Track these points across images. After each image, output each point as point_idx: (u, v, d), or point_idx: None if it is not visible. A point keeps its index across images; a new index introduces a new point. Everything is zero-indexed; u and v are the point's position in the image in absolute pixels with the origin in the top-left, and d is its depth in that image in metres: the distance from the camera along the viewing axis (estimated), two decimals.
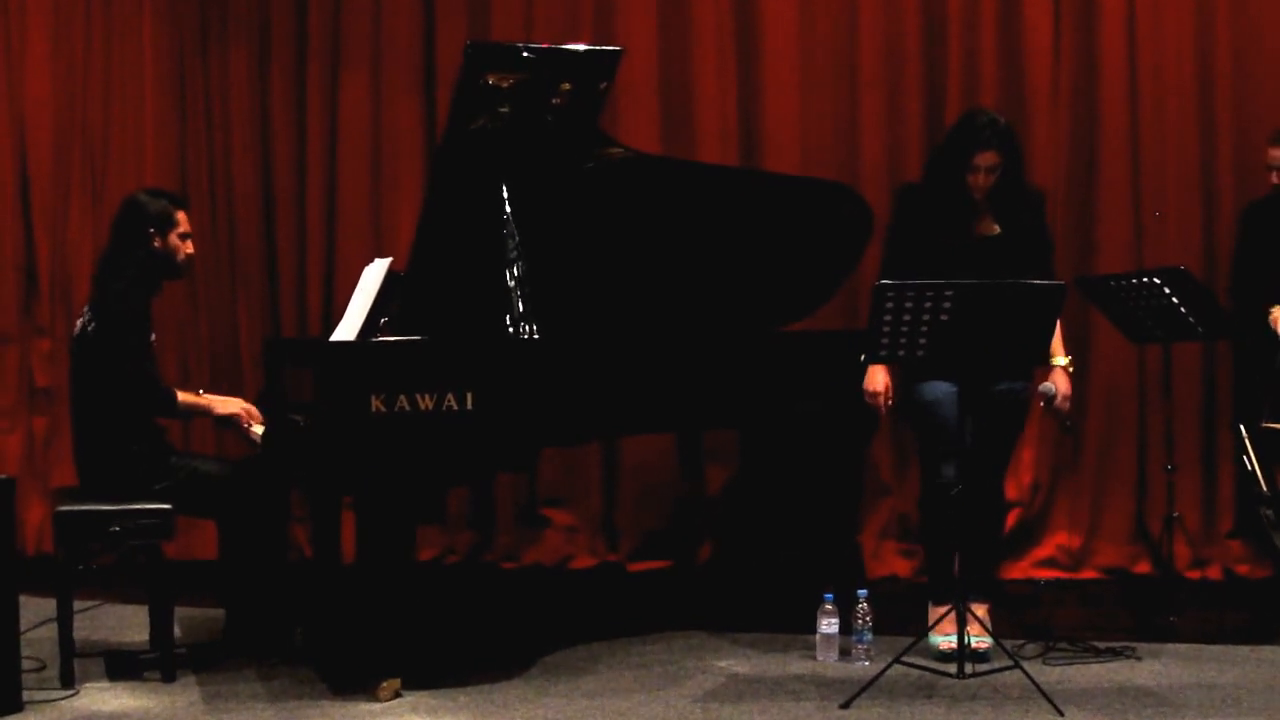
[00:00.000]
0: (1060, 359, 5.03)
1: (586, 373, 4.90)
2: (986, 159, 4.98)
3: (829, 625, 5.02)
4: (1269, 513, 5.65)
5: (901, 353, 4.56)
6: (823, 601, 5.05)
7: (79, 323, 5.07)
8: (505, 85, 4.86)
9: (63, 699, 4.59)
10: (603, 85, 5.06)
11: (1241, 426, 5.77)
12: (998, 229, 5.12)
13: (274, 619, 5.11)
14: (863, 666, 4.82)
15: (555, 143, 5.06)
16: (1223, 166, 6.35)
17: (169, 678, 4.77)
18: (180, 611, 5.02)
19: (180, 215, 5.12)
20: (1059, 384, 5.09)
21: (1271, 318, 5.65)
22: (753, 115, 6.70)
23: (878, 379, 5.08)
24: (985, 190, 5.03)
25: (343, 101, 7.03)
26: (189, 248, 5.16)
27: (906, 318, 4.49)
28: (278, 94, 7.11)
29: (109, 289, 4.99)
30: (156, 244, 5.06)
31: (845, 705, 4.43)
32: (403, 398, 4.51)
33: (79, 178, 6.95)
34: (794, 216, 5.53)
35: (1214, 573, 6.26)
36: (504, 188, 4.96)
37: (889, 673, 4.62)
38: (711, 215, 5.47)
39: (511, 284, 4.87)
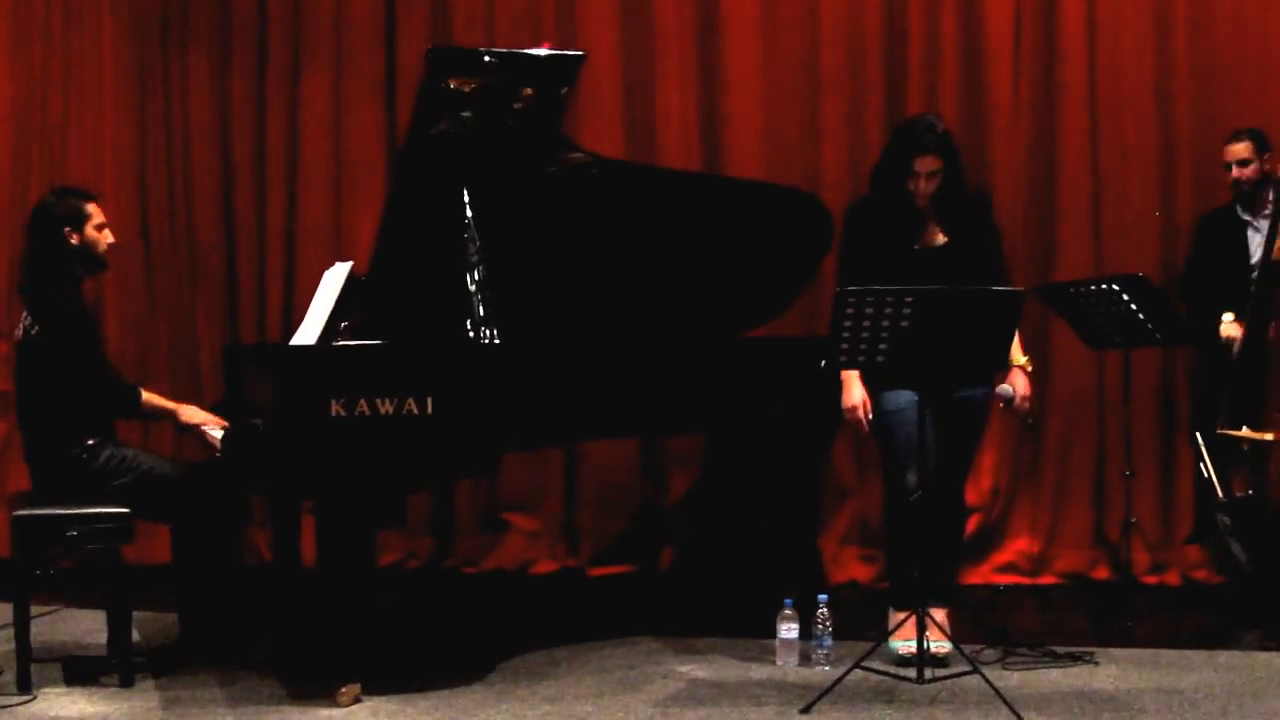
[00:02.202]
0: (1019, 359, 5.05)
1: (548, 377, 4.89)
2: (926, 164, 5.00)
3: (789, 630, 5.04)
4: (1225, 519, 5.70)
5: (862, 359, 4.57)
6: (783, 607, 5.06)
7: (21, 327, 5.05)
8: (467, 89, 4.87)
9: (20, 704, 4.57)
10: (564, 90, 5.08)
11: (1198, 433, 5.83)
12: (945, 239, 5.14)
13: (231, 625, 5.09)
14: (823, 671, 4.82)
15: (517, 147, 5.08)
16: (1181, 176, 6.38)
17: (127, 683, 4.75)
18: (139, 616, 5.00)
19: (91, 207, 5.11)
20: (1017, 385, 5.11)
21: (1223, 329, 5.71)
22: (715, 121, 6.72)
23: (855, 393, 5.03)
24: (928, 197, 5.05)
25: (303, 105, 7.03)
26: (108, 237, 5.15)
27: (867, 324, 4.49)
28: (238, 98, 7.11)
29: (44, 296, 4.99)
30: (74, 240, 5.05)
31: (805, 710, 4.44)
32: (363, 402, 4.49)
33: (37, 181, 6.89)
34: (755, 222, 5.55)
35: (1172, 578, 6.28)
36: (465, 192, 4.97)
37: (849, 677, 4.62)
38: (673, 220, 5.48)
39: (472, 288, 4.88)
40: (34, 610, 4.84)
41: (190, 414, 5.12)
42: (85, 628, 5.41)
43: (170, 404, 5.15)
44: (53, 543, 4.77)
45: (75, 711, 4.53)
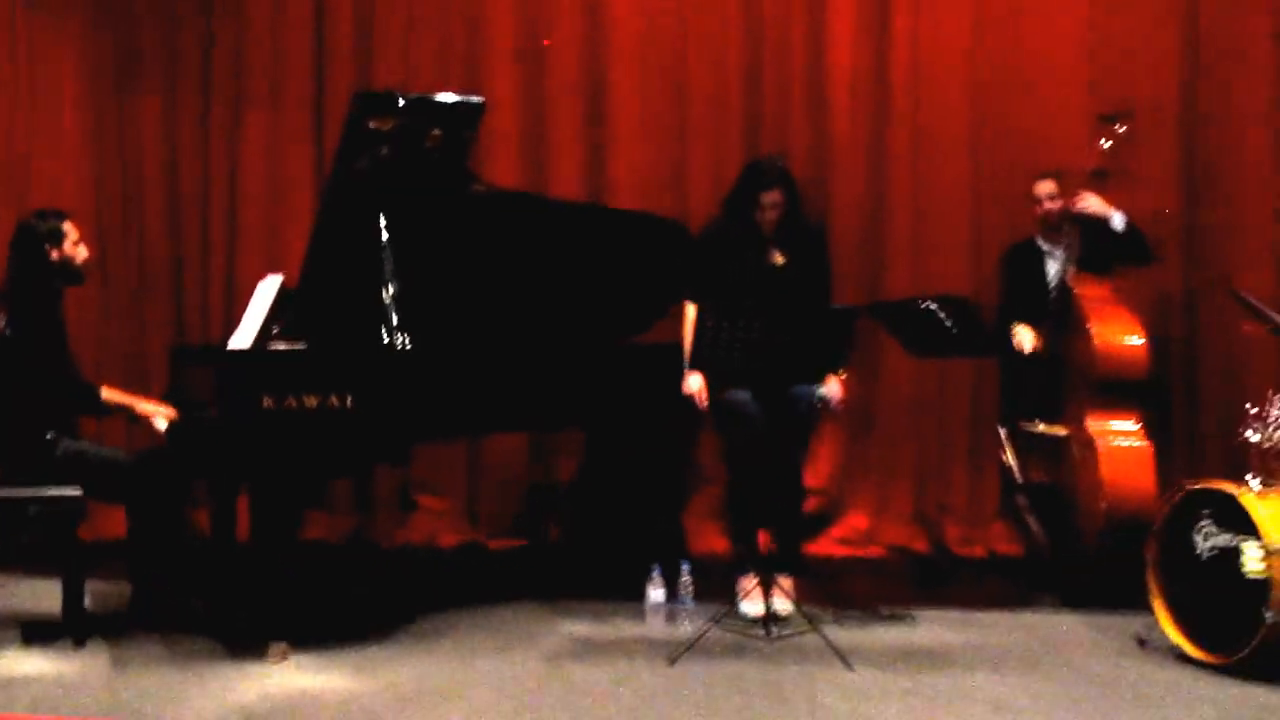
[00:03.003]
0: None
1: (453, 378, 4.86)
2: (772, 197, 5.09)
3: (657, 594, 5.06)
4: (1023, 499, 5.76)
5: (719, 362, 4.60)
6: (651, 573, 5.08)
7: None
8: (385, 129, 4.83)
9: None
10: (468, 132, 5.06)
11: (1002, 427, 5.90)
12: (783, 260, 5.20)
13: (176, 593, 5.01)
14: (686, 629, 4.85)
15: (428, 179, 5.04)
16: (988, 208, 6.43)
17: (80, 644, 4.66)
18: (92, 585, 4.89)
19: (68, 226, 5.02)
20: (833, 389, 5.19)
21: (1014, 333, 5.77)
22: (598, 157, 6.70)
23: (694, 381, 5.13)
24: (773, 225, 5.12)
25: (243, 138, 6.93)
26: (83, 251, 5.06)
27: (724, 333, 4.53)
28: (185, 131, 6.99)
29: (22, 304, 4.89)
30: (55, 256, 4.96)
31: (671, 661, 4.46)
32: (291, 398, 4.46)
33: (3, 200, 6.72)
34: (631, 245, 5.55)
35: (979, 550, 6.34)
36: (382, 216, 4.93)
37: (708, 634, 4.66)
38: (561, 243, 5.46)
39: (388, 299, 4.84)
40: None
41: (145, 406, 5.04)
42: (42, 596, 5.28)
43: (128, 398, 5.06)
44: (15, 520, 4.67)
45: (32, 670, 4.44)
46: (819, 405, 5.28)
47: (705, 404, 5.13)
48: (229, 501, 5.32)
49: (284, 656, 4.52)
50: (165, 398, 5.18)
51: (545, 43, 6.66)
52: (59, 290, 5.03)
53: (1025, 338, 5.69)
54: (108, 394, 4.99)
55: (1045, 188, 5.82)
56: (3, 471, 4.86)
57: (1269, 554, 4.17)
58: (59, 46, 6.98)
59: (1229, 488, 4.37)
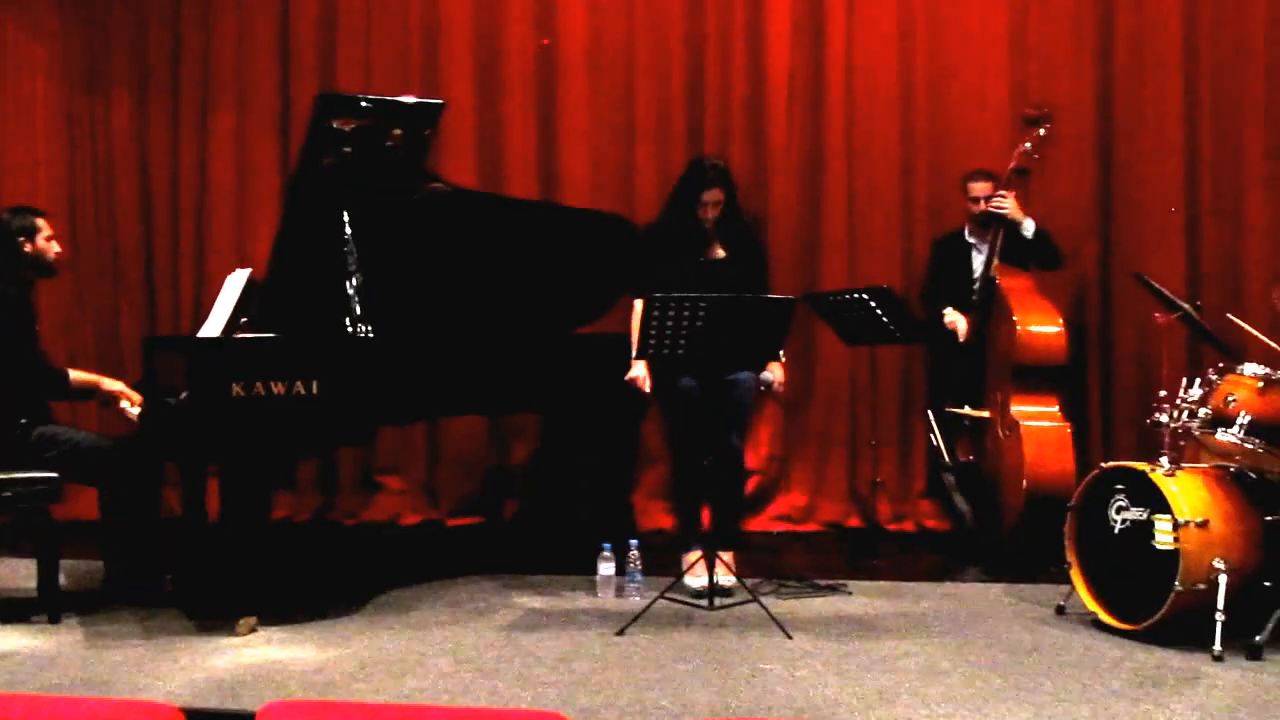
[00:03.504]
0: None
1: (413, 366, 4.84)
2: (713, 195, 5.10)
3: (607, 568, 5.04)
4: (950, 478, 5.81)
5: (665, 351, 4.59)
6: (602, 550, 5.06)
7: None
8: (347, 129, 4.79)
9: None
10: (428, 131, 5.02)
11: (930, 410, 5.94)
12: (724, 253, 5.21)
13: (148, 571, 4.95)
14: (634, 601, 4.83)
15: (389, 177, 4.99)
16: (917, 207, 6.45)
17: (55, 620, 4.59)
18: (66, 564, 4.82)
19: (41, 222, 4.98)
20: (775, 374, 5.20)
21: (949, 321, 5.82)
22: (550, 158, 6.67)
23: (638, 368, 5.12)
24: (713, 221, 5.13)
25: (211, 138, 6.85)
26: (55, 247, 5.01)
27: (670, 324, 4.53)
28: (155, 129, 6.90)
29: None
30: (28, 249, 4.91)
31: (620, 632, 4.45)
32: (259, 385, 4.41)
33: None
34: (582, 240, 5.53)
35: (909, 526, 6.38)
36: (345, 213, 4.88)
37: (655, 606, 4.65)
38: (516, 238, 5.44)
39: (351, 291, 4.80)
40: None
41: (110, 384, 4.97)
42: (19, 574, 5.20)
43: (94, 377, 5.00)
44: None
45: (8, 645, 4.35)
46: (762, 389, 5.29)
47: (648, 389, 5.13)
48: (199, 483, 5.27)
49: (252, 630, 4.47)
50: (137, 385, 5.10)
51: (544, 42, 6.60)
52: (31, 281, 4.97)
53: (959, 322, 5.73)
54: (75, 376, 4.94)
55: (981, 188, 5.86)
56: None
57: (1178, 528, 4.21)
58: (31, 45, 6.86)
59: (1142, 466, 4.40)
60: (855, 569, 5.49)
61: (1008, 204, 5.66)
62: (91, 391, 5.00)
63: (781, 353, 5.08)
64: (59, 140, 6.90)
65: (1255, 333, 4.63)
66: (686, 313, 4.50)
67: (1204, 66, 6.17)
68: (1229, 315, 4.74)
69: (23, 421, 4.76)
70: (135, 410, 4.88)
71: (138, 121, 6.91)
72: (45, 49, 6.88)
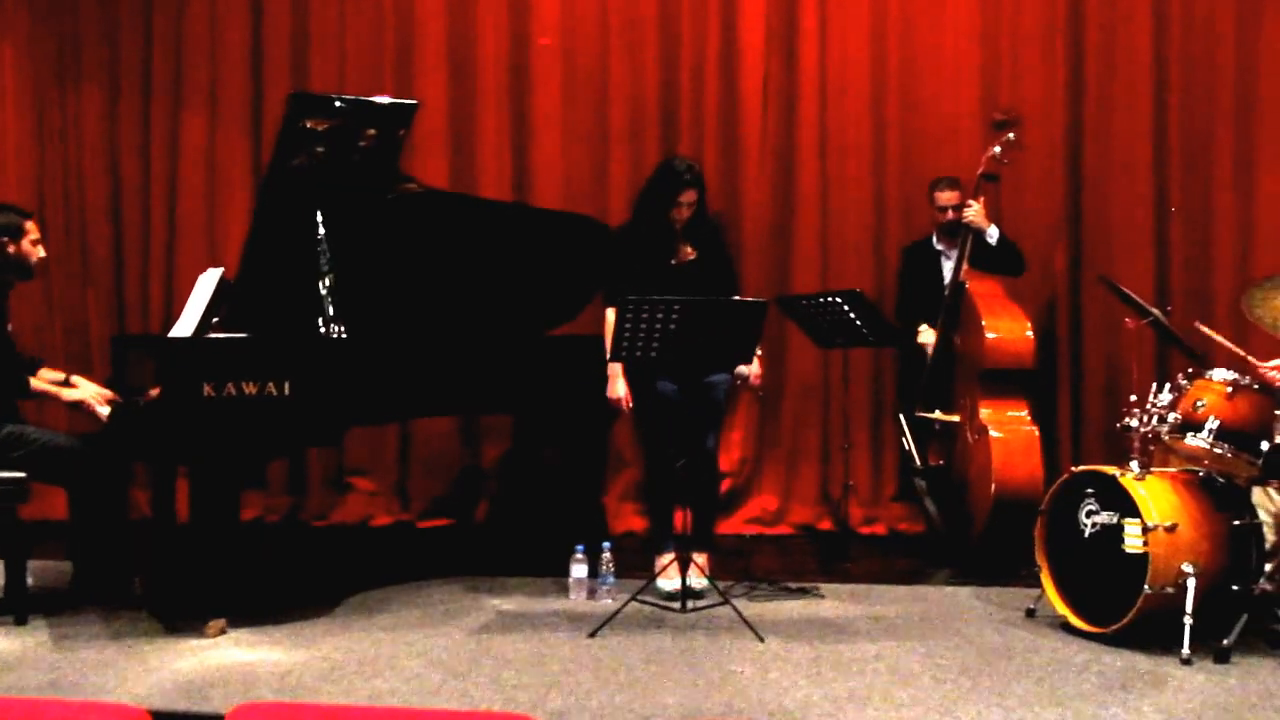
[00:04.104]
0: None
1: (385, 366, 4.81)
2: (689, 197, 5.10)
3: (579, 571, 5.03)
4: (921, 482, 5.84)
5: (639, 354, 4.58)
6: (574, 552, 5.06)
7: None
8: (320, 129, 4.77)
9: None
10: (401, 132, 5.00)
11: (900, 415, 5.96)
12: (694, 254, 5.21)
13: (116, 572, 4.90)
14: (606, 604, 4.83)
15: (362, 177, 4.97)
16: (890, 210, 6.47)
17: (21, 621, 4.54)
18: (34, 565, 4.77)
19: (28, 224, 4.90)
20: (751, 367, 5.19)
21: (920, 333, 5.84)
22: (523, 159, 6.65)
23: (619, 387, 5.10)
24: (684, 222, 5.13)
25: (183, 135, 6.81)
26: (40, 251, 4.94)
27: (643, 326, 4.52)
28: (126, 127, 6.85)
29: None
30: (10, 250, 4.84)
31: (592, 634, 4.44)
32: (230, 385, 4.38)
33: None
34: (554, 241, 5.51)
35: (880, 529, 6.40)
36: (319, 213, 4.87)
37: (627, 608, 4.66)
38: (489, 239, 5.42)
39: (323, 292, 4.79)
40: None
41: (71, 395, 4.86)
42: None
43: (54, 390, 4.88)
44: None
45: None
46: (739, 384, 5.29)
47: (629, 407, 5.11)
48: (169, 484, 5.24)
49: (221, 631, 4.44)
50: (107, 383, 5.06)
51: (543, 41, 6.58)
52: (9, 283, 4.90)
53: (928, 336, 5.77)
54: (34, 384, 4.86)
55: (947, 197, 5.90)
56: None
57: (1147, 531, 4.23)
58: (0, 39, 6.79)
59: (1111, 470, 4.43)
60: (826, 572, 5.50)
61: (971, 212, 5.68)
62: (59, 388, 4.95)
63: (758, 348, 5.08)
64: (28, 136, 6.83)
65: (1222, 340, 4.66)
66: (660, 315, 4.49)
67: (1173, 76, 6.21)
68: (1197, 324, 4.76)
69: None
70: (105, 410, 4.83)
71: (108, 118, 6.86)
72: (12, 41, 6.81)
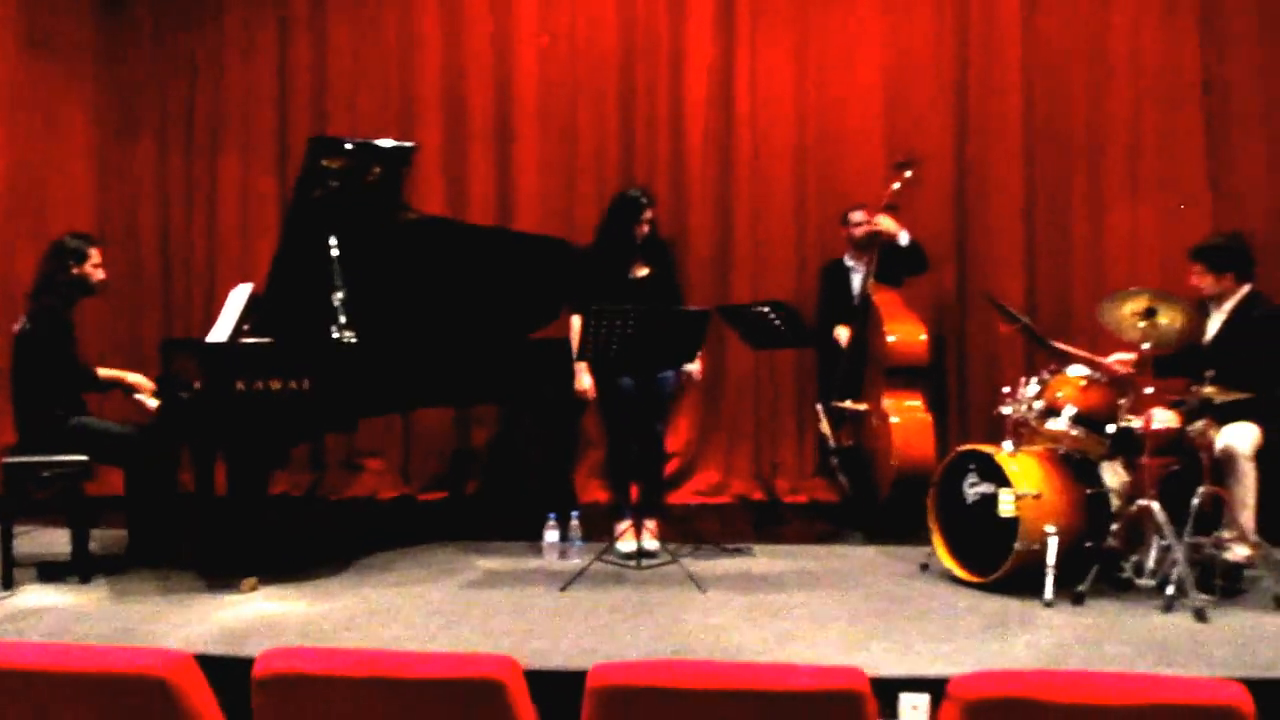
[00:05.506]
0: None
1: (390, 365, 4.79)
2: (649, 215, 5.14)
3: (552, 535, 5.05)
4: (835, 460, 5.86)
5: (602, 353, 4.61)
6: (548, 519, 5.07)
7: (18, 326, 4.78)
8: (335, 166, 4.76)
9: (5, 598, 4.35)
10: (403, 169, 4.99)
11: (819, 404, 5.99)
12: (648, 270, 5.24)
13: (165, 538, 4.88)
14: (575, 563, 4.84)
15: (370, 207, 4.96)
16: (809, 235, 6.48)
17: (85, 580, 4.54)
18: (95, 533, 4.76)
19: (92, 250, 4.89)
20: (696, 369, 5.24)
21: (835, 333, 5.88)
22: (506, 191, 6.63)
23: (585, 380, 5.13)
24: (644, 237, 5.16)
25: (220, 173, 6.79)
26: (101, 274, 4.92)
27: (604, 331, 4.55)
28: (174, 167, 6.85)
29: (40, 305, 4.75)
30: (75, 271, 4.82)
31: (563, 589, 4.46)
32: (259, 382, 4.38)
33: (28, 225, 6.41)
34: (531, 258, 5.48)
35: (803, 498, 6.38)
36: (333, 237, 4.85)
37: (592, 567, 4.68)
38: (476, 256, 5.39)
39: (337, 303, 4.77)
40: (16, 530, 4.60)
41: (133, 377, 4.92)
42: (55, 542, 5.11)
43: (118, 373, 4.95)
44: (32, 481, 4.53)
45: (46, 601, 4.31)
46: (685, 380, 5.32)
47: (593, 397, 5.15)
48: (208, 464, 5.21)
49: (254, 588, 4.44)
50: (157, 380, 5.04)
51: (543, 41, 6.55)
52: (75, 299, 4.87)
53: (843, 336, 5.81)
54: (103, 372, 4.87)
55: (857, 216, 5.93)
56: (23, 442, 4.71)
57: (1018, 499, 4.30)
58: (69, 103, 6.73)
59: (989, 449, 4.48)
60: (759, 535, 5.52)
61: (884, 221, 5.71)
62: (117, 384, 4.94)
63: (699, 352, 5.11)
64: (93, 180, 6.82)
65: (1076, 351, 4.70)
66: (619, 322, 4.52)
67: (1037, 129, 6.28)
68: (1055, 343, 4.77)
69: (59, 413, 4.70)
70: (153, 403, 4.82)
71: (159, 161, 6.84)
72: (79, 104, 6.76)
